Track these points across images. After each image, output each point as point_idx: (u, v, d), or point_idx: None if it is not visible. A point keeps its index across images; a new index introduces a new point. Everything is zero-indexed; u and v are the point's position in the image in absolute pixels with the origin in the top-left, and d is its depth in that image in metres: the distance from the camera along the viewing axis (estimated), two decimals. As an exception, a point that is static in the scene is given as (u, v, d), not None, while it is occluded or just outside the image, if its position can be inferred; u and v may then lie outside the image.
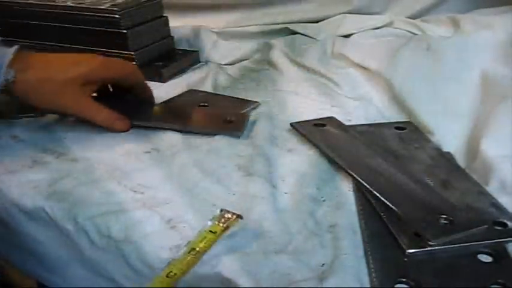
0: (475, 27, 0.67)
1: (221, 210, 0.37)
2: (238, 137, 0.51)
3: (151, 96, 0.58)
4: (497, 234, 0.36)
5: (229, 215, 0.37)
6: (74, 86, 0.50)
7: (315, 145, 0.48)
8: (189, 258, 0.34)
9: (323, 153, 0.47)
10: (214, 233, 0.35)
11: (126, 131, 0.53)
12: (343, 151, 0.47)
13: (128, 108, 0.54)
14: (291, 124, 0.52)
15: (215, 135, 0.51)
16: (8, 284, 0.62)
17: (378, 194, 0.40)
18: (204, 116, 0.57)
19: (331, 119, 0.52)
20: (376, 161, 0.45)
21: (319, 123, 0.52)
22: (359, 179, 0.42)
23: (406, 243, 0.35)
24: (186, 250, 0.34)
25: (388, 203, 0.38)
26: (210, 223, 0.36)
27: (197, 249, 0.34)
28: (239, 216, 0.37)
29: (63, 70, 0.50)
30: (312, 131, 0.50)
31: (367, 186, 0.41)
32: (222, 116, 0.54)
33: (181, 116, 0.56)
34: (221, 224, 0.36)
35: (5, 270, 0.60)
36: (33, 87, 0.49)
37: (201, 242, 0.35)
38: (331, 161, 0.46)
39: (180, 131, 0.52)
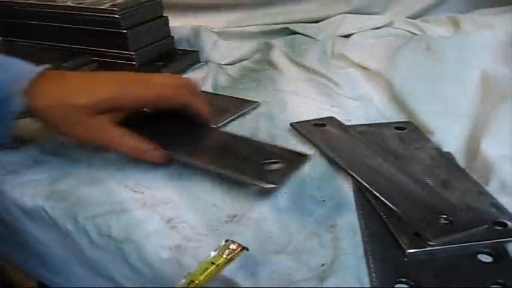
0: (475, 27, 0.67)
1: (226, 241, 0.35)
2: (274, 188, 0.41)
3: (205, 120, 0.50)
4: (497, 234, 0.36)
5: (234, 246, 0.34)
6: (90, 113, 0.44)
7: (315, 145, 0.48)
8: None
9: (323, 153, 0.47)
10: (217, 265, 0.33)
11: (161, 162, 0.45)
12: (343, 151, 0.47)
13: (173, 133, 0.48)
14: (291, 124, 0.52)
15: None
16: (9, 283, 0.62)
17: (378, 194, 0.40)
18: (242, 157, 0.46)
19: (331, 119, 0.52)
20: (376, 161, 0.45)
21: (319, 123, 0.52)
22: (359, 179, 0.42)
23: (406, 243, 0.35)
24: (184, 282, 0.32)
25: (388, 203, 0.38)
26: (213, 254, 0.34)
27: (196, 282, 0.32)
28: (244, 248, 0.34)
29: (80, 95, 0.44)
30: (312, 131, 0.50)
31: (367, 186, 0.41)
32: (262, 158, 0.44)
33: (220, 151, 0.48)
34: (224, 256, 0.34)
35: (5, 270, 0.60)
36: (44, 115, 0.44)
37: (201, 274, 0.32)
38: (331, 161, 0.46)
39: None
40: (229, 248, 0.34)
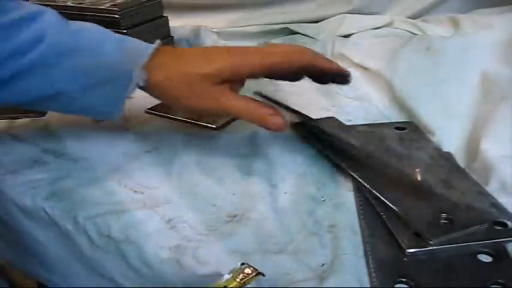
0: (475, 27, 0.67)
1: (242, 264, 0.33)
2: None
3: (339, 70, 0.47)
4: (497, 234, 0.36)
5: (250, 271, 0.33)
6: (214, 82, 0.43)
7: (315, 145, 0.48)
8: None
9: (323, 153, 0.47)
10: None
11: (283, 130, 0.44)
12: (343, 151, 0.47)
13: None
14: (291, 124, 0.52)
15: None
16: (9, 284, 0.62)
17: (377, 194, 0.40)
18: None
19: (331, 119, 0.52)
20: (376, 161, 0.45)
21: (319, 123, 0.52)
22: (359, 179, 0.42)
23: (406, 243, 0.35)
24: None
25: (388, 202, 0.38)
26: (227, 276, 0.32)
27: None
28: (260, 274, 0.33)
29: (191, 67, 0.44)
30: (312, 131, 0.50)
31: (367, 186, 0.41)
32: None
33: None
34: (238, 279, 0.32)
35: (5, 270, 0.60)
36: (160, 88, 0.45)
37: None
38: (331, 161, 0.46)
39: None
40: (243, 272, 0.33)
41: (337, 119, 0.52)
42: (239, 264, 0.33)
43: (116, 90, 0.44)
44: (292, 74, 0.47)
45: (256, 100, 0.45)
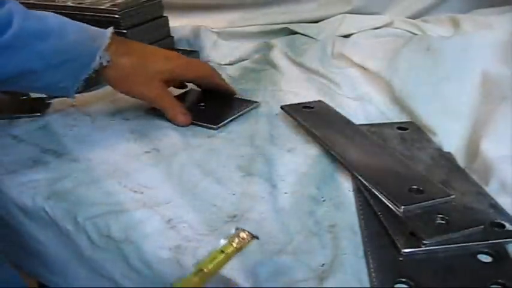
0: (475, 27, 0.67)
1: (237, 229, 0.35)
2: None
3: (229, 90, 0.60)
4: (495, 235, 0.36)
5: (245, 235, 0.35)
6: (160, 78, 0.53)
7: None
8: (195, 279, 0.32)
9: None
10: (226, 254, 0.34)
11: (186, 125, 0.54)
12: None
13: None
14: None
15: None
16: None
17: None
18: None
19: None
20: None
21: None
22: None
23: (401, 243, 0.35)
24: (193, 270, 0.33)
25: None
26: (222, 242, 0.34)
27: (205, 270, 0.33)
28: (255, 237, 0.35)
29: (156, 61, 0.53)
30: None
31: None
32: None
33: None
34: (234, 244, 0.35)
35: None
36: (126, 73, 0.51)
37: (210, 262, 0.33)
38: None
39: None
40: (239, 237, 0.35)
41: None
42: (234, 229, 0.35)
43: (79, 68, 0.49)
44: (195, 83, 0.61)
45: (177, 101, 0.55)
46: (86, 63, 0.49)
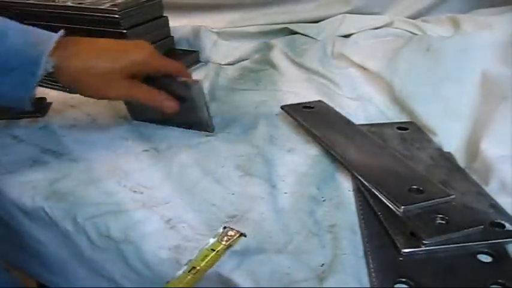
0: (475, 27, 0.67)
1: (224, 228, 0.37)
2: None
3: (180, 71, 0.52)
4: (495, 235, 0.36)
5: (233, 233, 0.36)
6: (120, 75, 0.48)
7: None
8: (188, 277, 0.33)
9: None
10: (217, 251, 0.35)
11: (174, 111, 0.50)
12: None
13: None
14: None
15: None
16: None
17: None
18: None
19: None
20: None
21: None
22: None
23: (401, 243, 0.35)
24: (186, 269, 0.34)
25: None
26: (212, 240, 0.36)
27: (198, 268, 0.34)
28: (242, 235, 0.36)
29: (109, 59, 0.48)
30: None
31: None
32: None
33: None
34: (224, 242, 0.35)
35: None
36: (78, 77, 0.47)
37: (202, 260, 0.34)
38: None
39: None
40: (227, 235, 0.36)
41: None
42: (221, 228, 0.37)
43: (24, 76, 0.45)
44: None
45: (153, 89, 0.50)
46: (32, 71, 0.45)
